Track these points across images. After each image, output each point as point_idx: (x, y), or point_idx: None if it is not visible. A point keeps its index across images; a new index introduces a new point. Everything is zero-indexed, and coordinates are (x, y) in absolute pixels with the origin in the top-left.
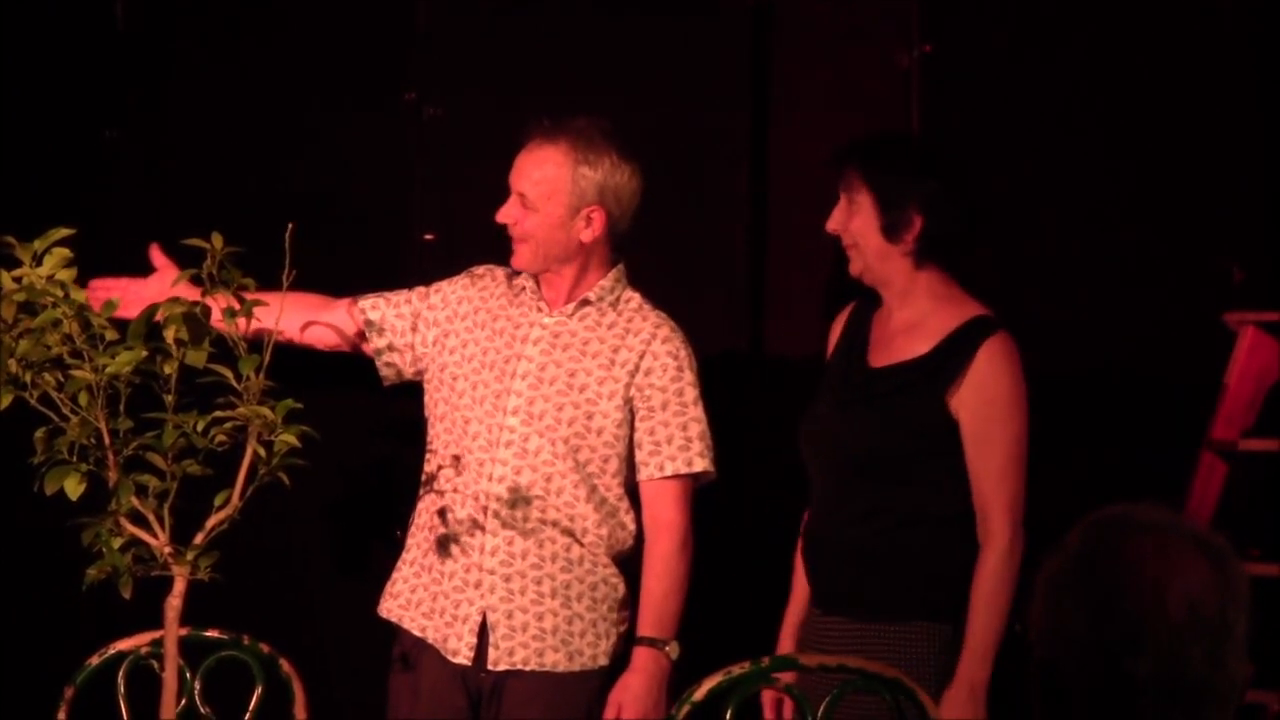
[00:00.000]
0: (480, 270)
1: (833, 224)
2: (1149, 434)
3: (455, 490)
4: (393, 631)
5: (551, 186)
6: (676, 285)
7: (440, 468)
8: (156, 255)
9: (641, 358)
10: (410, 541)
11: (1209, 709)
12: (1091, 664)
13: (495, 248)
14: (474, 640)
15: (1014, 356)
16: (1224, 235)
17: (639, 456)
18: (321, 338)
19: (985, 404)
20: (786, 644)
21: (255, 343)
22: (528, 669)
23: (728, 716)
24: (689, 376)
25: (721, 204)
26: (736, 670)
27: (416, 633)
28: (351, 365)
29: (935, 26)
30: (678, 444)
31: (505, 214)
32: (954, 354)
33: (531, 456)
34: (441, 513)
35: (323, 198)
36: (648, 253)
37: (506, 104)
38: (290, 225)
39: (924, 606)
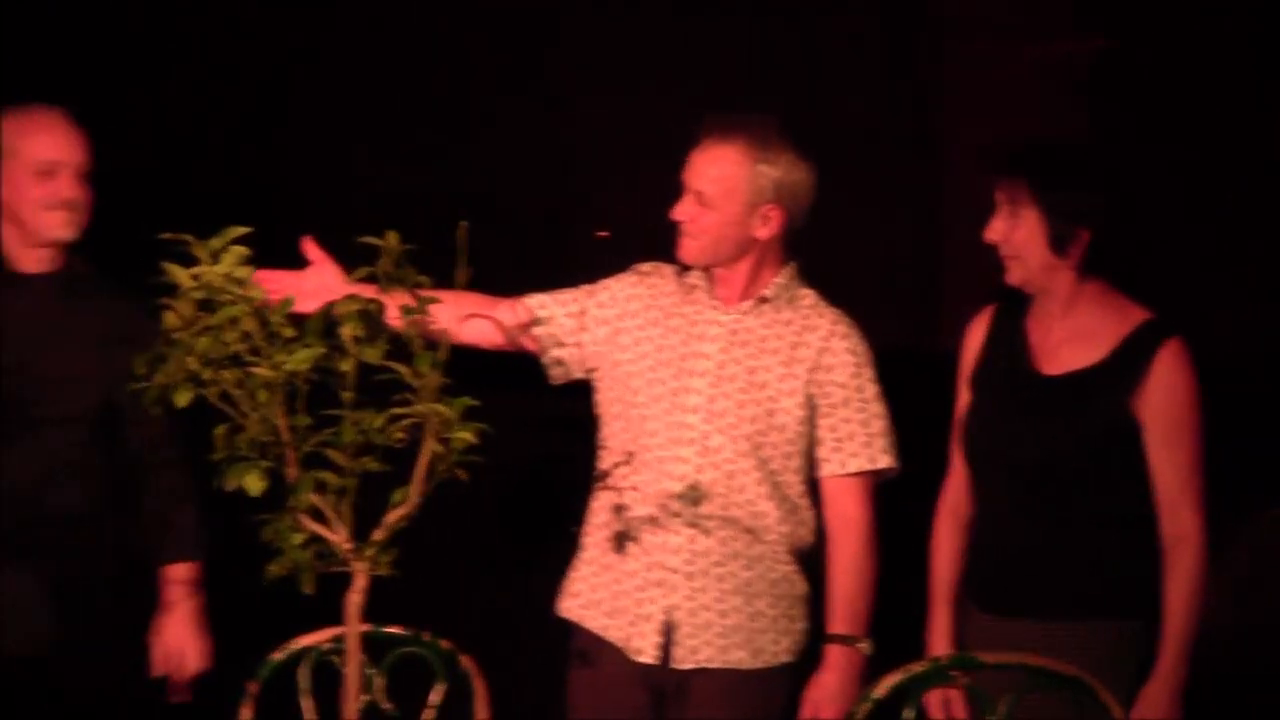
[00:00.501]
0: (647, 267)
1: (993, 234)
2: None
3: (634, 488)
4: (570, 628)
5: (730, 184)
6: (851, 284)
7: (617, 465)
8: (310, 248)
9: (820, 354)
10: (587, 540)
11: None
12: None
13: (668, 245)
14: (658, 639)
15: (1190, 358)
16: None
17: (820, 453)
18: (487, 336)
19: (1171, 406)
20: (941, 645)
21: (428, 341)
22: (712, 667)
23: (906, 714)
24: (868, 372)
25: (897, 201)
26: (916, 668)
27: (599, 632)
28: (523, 363)
29: (1110, 21)
30: (860, 440)
31: (681, 211)
32: (1133, 359)
33: (713, 454)
34: (620, 511)
35: (495, 196)
36: (823, 251)
37: (680, 101)
38: (463, 224)
39: (1113, 605)
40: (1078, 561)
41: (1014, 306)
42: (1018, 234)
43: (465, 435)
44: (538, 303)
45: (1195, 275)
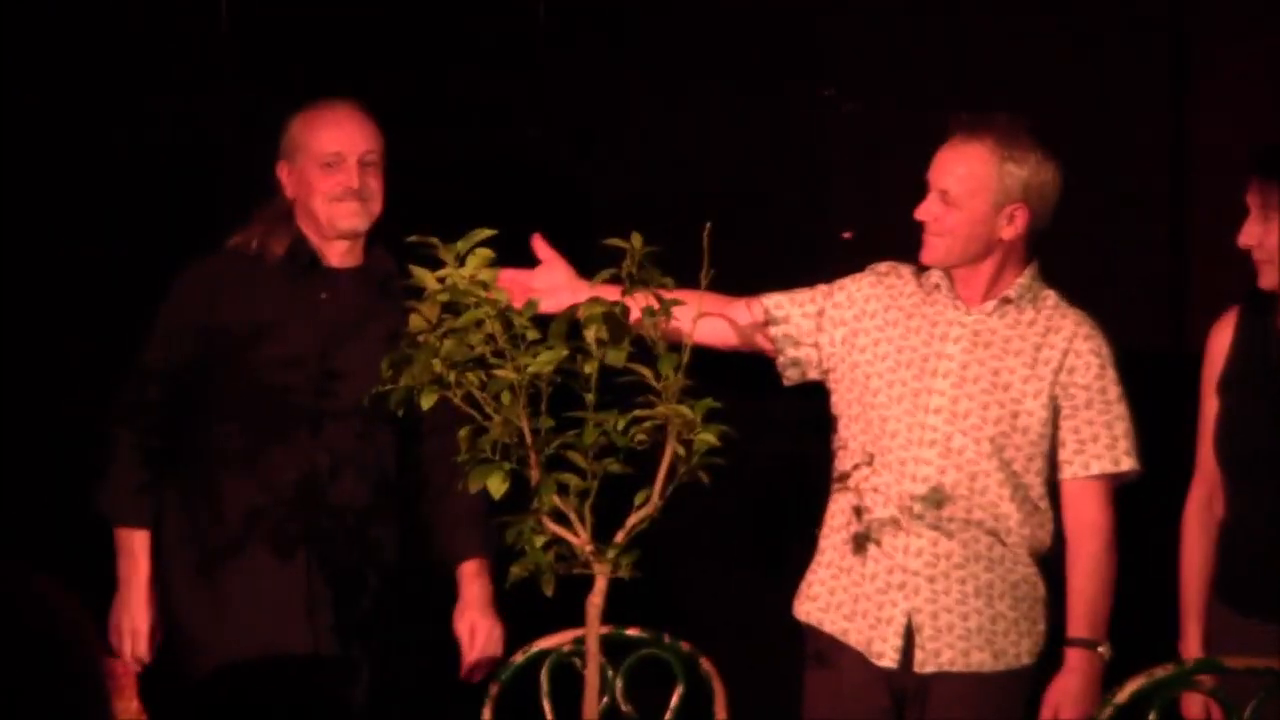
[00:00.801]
0: (884, 268)
1: (1247, 239)
2: None
3: (875, 490)
4: (805, 631)
5: (977, 183)
6: (1098, 284)
7: (856, 467)
8: (540, 246)
9: (1065, 355)
10: (825, 543)
11: None
12: None
13: (913, 245)
14: (899, 642)
15: None
16: None
17: (1062, 455)
18: (723, 336)
19: None
20: (1193, 649)
21: (670, 343)
22: (954, 670)
23: (1151, 718)
24: (1112, 374)
25: (1142, 200)
26: (1160, 672)
27: (838, 635)
28: (759, 365)
29: None
30: (1104, 443)
31: (925, 211)
32: None
33: (956, 455)
34: (859, 512)
35: (740, 196)
36: (1069, 251)
37: (924, 99)
38: (708, 225)
39: None
40: None
41: (1260, 308)
42: (1272, 238)
43: (708, 437)
44: (774, 302)
45: None
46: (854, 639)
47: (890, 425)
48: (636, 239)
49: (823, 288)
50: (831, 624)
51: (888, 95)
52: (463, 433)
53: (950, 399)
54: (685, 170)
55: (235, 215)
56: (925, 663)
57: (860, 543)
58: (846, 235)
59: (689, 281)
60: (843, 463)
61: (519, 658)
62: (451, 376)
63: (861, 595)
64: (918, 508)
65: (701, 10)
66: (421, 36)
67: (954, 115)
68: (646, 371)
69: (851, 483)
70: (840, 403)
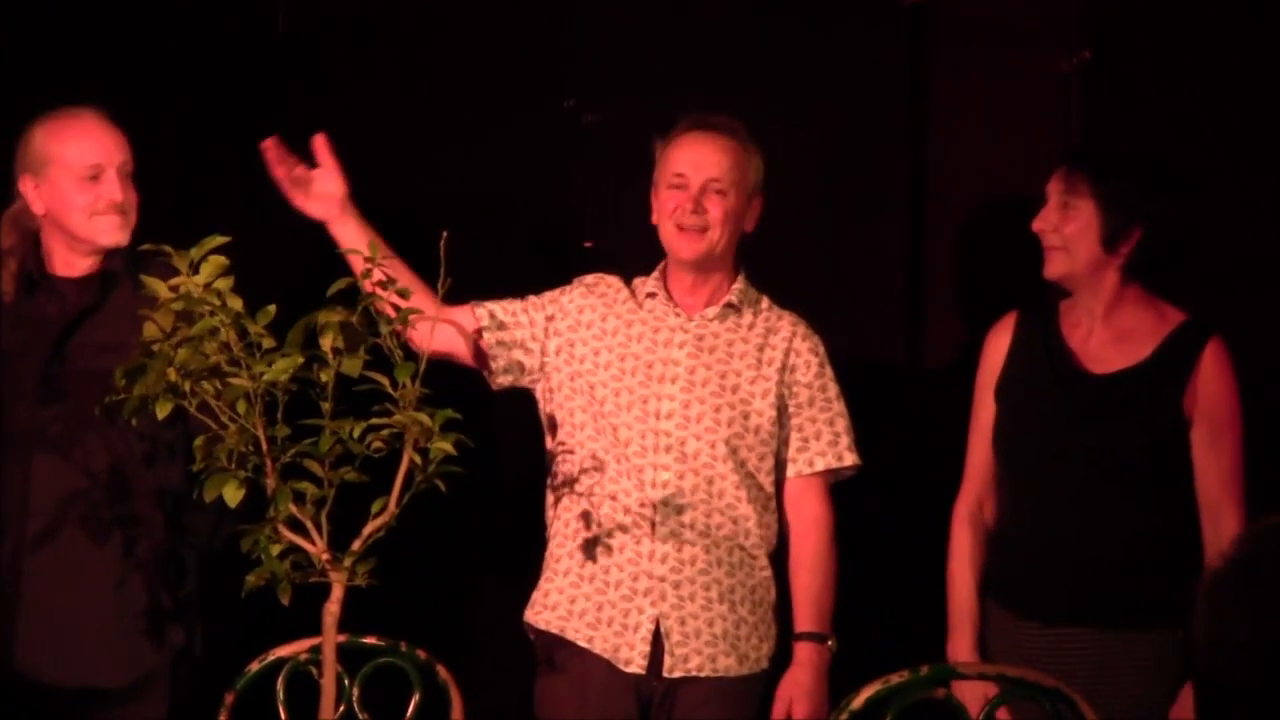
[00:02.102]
0: (591, 279)
1: (1042, 224)
2: None
3: (612, 497)
4: (541, 638)
5: (738, 174)
6: (835, 290)
7: (584, 472)
8: (321, 150)
9: (786, 355)
10: (559, 550)
11: None
12: (1254, 667)
13: (652, 254)
14: (647, 649)
15: (1231, 357)
16: None
17: (787, 454)
18: (449, 343)
19: (1216, 406)
20: (963, 649)
21: (408, 352)
22: (702, 675)
23: None
24: (829, 371)
25: (878, 208)
26: (895, 679)
27: (583, 643)
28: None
29: (1096, 31)
30: (826, 439)
31: (701, 214)
32: (1178, 358)
33: (692, 460)
34: (595, 520)
35: (482, 204)
36: (807, 257)
37: (664, 110)
38: (444, 234)
39: (1165, 611)
40: (1135, 569)
41: (1038, 313)
42: (1070, 227)
43: (444, 445)
44: (489, 310)
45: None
46: (600, 646)
47: (623, 433)
48: (370, 249)
49: (533, 299)
50: (575, 632)
51: (629, 106)
52: (198, 441)
53: (681, 404)
54: (428, 178)
55: None
56: (674, 668)
57: (602, 550)
58: (588, 244)
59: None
60: (568, 468)
61: (255, 666)
62: (186, 385)
63: (606, 603)
64: (659, 514)
65: (449, 19)
66: (159, 38)
67: (692, 115)
68: (383, 379)
69: (582, 489)
70: (561, 411)
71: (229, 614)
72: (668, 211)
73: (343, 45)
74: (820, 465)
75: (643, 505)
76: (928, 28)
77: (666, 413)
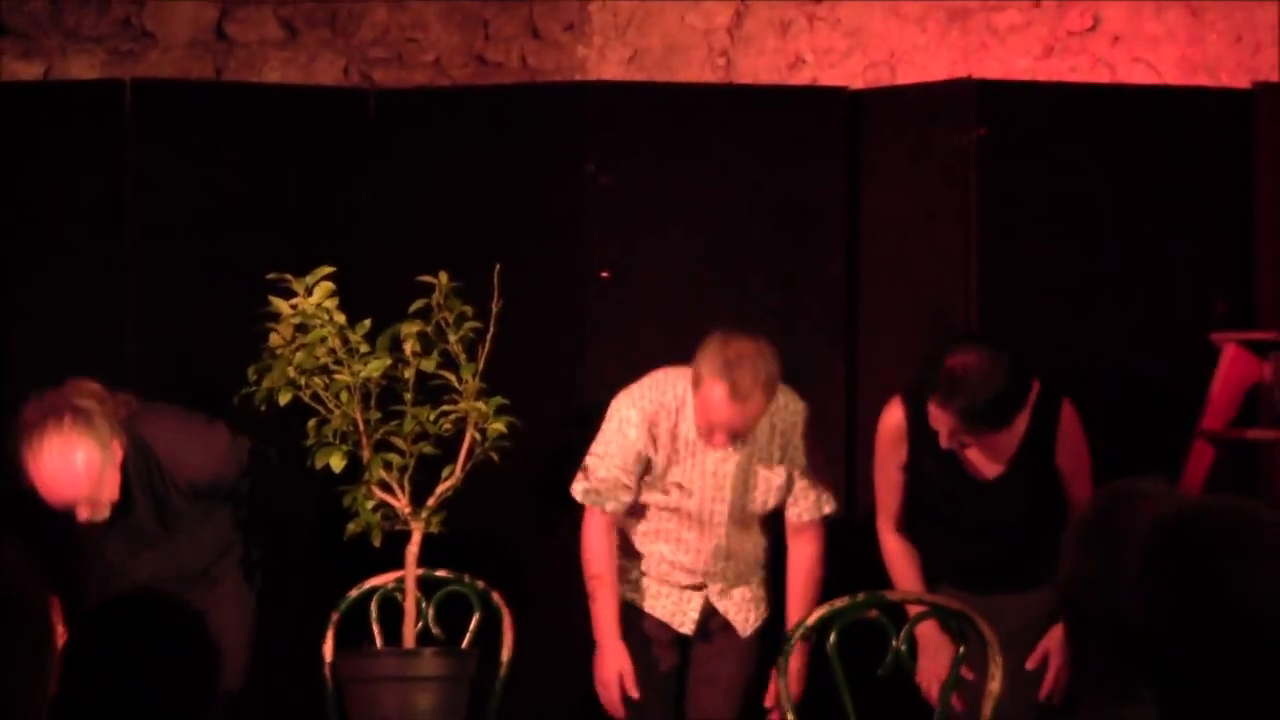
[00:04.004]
0: (631, 414)
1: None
2: (1155, 428)
3: (679, 512)
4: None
5: (756, 419)
6: (782, 320)
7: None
8: None
9: (786, 433)
10: (641, 547)
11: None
12: (1107, 595)
13: (655, 282)
14: (697, 617)
15: (1077, 410)
16: (1212, 281)
17: (788, 500)
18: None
19: (1076, 453)
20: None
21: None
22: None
23: (831, 638)
24: (808, 437)
25: (820, 253)
26: (839, 603)
27: (645, 609)
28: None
29: (988, 113)
30: (812, 498)
31: (726, 441)
32: (1044, 425)
33: (740, 514)
34: (665, 529)
35: (526, 245)
36: (759, 298)
37: (660, 173)
38: (498, 265)
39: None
40: (1035, 563)
41: (919, 410)
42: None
43: (498, 426)
44: (614, 506)
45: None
46: (660, 612)
47: (684, 500)
48: (443, 276)
49: (625, 465)
50: (643, 601)
51: (634, 169)
52: (311, 423)
53: (731, 491)
54: (486, 225)
55: None
56: (714, 631)
57: (668, 541)
58: (604, 275)
59: (482, 306)
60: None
61: (354, 593)
62: (302, 380)
63: (670, 586)
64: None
65: (500, 111)
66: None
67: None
68: (451, 376)
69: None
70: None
71: (334, 555)
72: (700, 425)
73: (425, 135)
74: (809, 517)
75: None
76: (862, 109)
77: (718, 497)
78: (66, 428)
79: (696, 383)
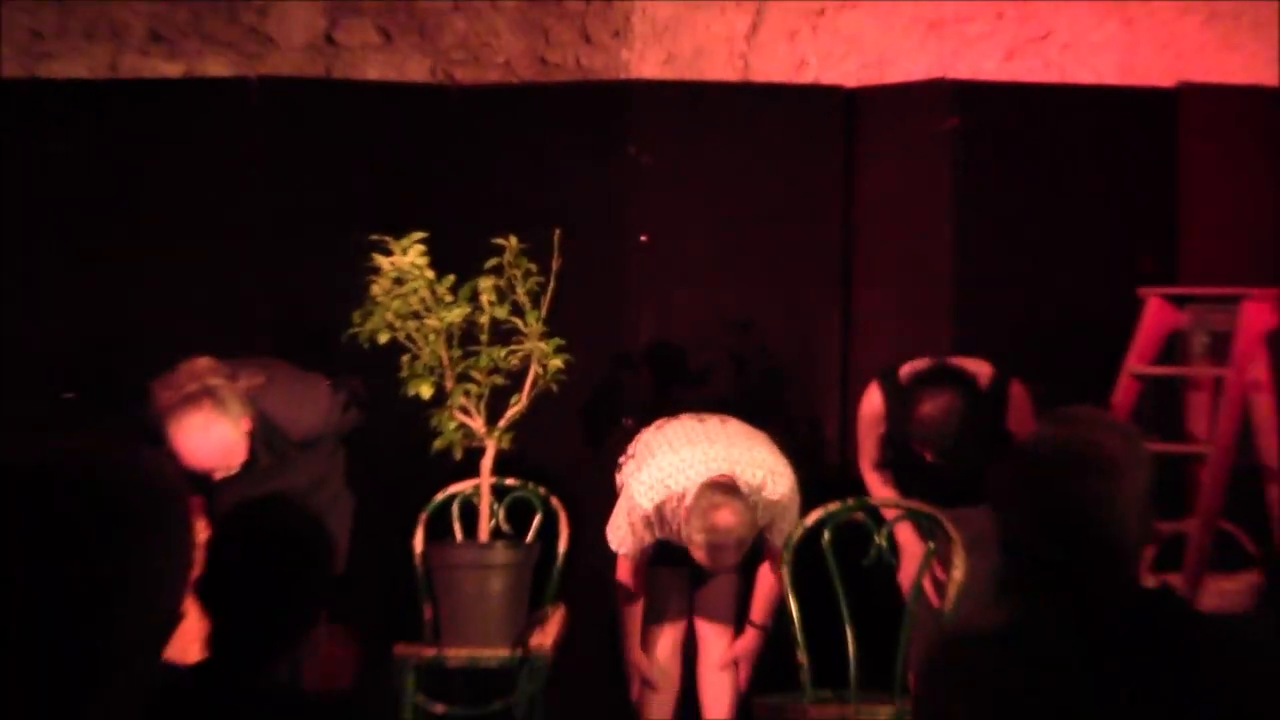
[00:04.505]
0: (642, 503)
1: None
2: (1094, 364)
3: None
4: None
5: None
6: (790, 276)
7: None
8: None
9: (776, 518)
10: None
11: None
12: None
13: (685, 246)
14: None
15: (1028, 392)
16: (1141, 243)
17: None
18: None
19: (1023, 421)
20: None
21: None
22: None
23: (825, 536)
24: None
25: (821, 220)
26: (832, 507)
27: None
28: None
29: (960, 106)
30: (779, 543)
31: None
32: (998, 401)
33: None
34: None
35: (580, 213)
36: (770, 258)
37: (690, 155)
38: (557, 230)
39: None
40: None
41: (894, 385)
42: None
43: (556, 362)
44: (638, 555)
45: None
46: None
47: None
48: (513, 240)
49: (638, 543)
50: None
51: (669, 152)
52: (404, 358)
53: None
54: (550, 197)
55: None
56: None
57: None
58: (643, 238)
59: (544, 264)
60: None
61: (439, 497)
62: (398, 324)
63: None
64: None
65: (564, 106)
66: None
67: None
68: (519, 321)
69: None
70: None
71: (423, 464)
72: (693, 550)
73: (492, 119)
74: (782, 541)
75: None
76: (856, 103)
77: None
78: (205, 409)
79: (690, 540)
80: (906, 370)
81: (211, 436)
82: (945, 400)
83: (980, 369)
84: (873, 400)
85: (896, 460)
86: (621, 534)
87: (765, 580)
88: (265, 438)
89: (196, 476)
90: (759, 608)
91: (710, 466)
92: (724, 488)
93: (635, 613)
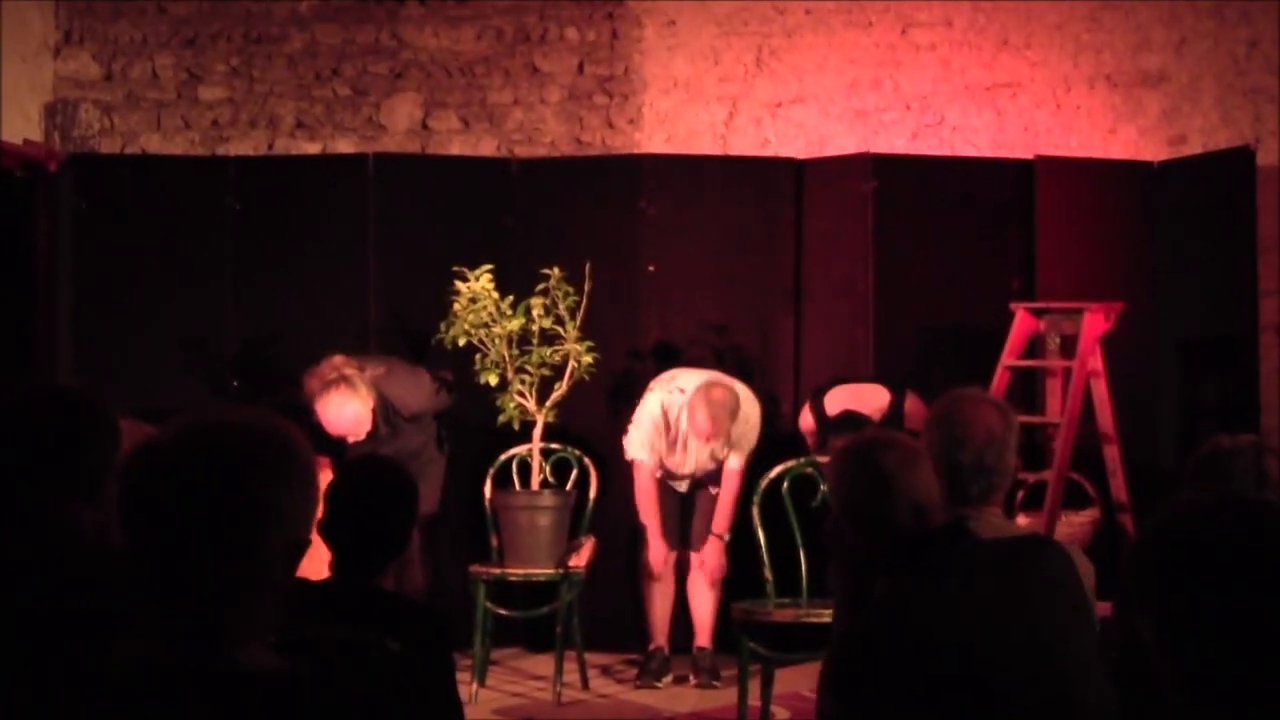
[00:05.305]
0: (654, 408)
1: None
2: (977, 360)
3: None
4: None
5: (728, 426)
6: (755, 297)
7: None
8: None
9: (746, 434)
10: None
11: (1000, 484)
12: (940, 462)
13: (680, 274)
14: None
15: (920, 397)
16: (1010, 270)
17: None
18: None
19: (916, 421)
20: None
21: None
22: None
23: (784, 487)
24: (758, 427)
25: (779, 254)
26: (790, 464)
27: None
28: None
29: (878, 173)
30: (745, 453)
31: (719, 427)
32: (897, 406)
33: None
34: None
35: (604, 250)
36: (742, 282)
37: (684, 207)
38: (588, 263)
39: None
40: None
41: (821, 403)
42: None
43: (588, 359)
44: (655, 464)
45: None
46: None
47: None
48: (556, 270)
49: (651, 456)
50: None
51: (670, 206)
52: (477, 356)
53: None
54: (580, 240)
55: None
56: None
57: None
58: (651, 268)
59: (579, 287)
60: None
61: (503, 457)
62: (473, 331)
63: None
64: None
65: (581, 165)
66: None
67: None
68: (560, 329)
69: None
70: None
71: (490, 436)
72: (690, 427)
73: (541, 182)
74: (738, 465)
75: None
76: (804, 171)
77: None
78: (343, 391)
79: (691, 411)
80: (828, 399)
81: (346, 411)
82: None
83: (878, 398)
84: (806, 419)
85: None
86: (636, 442)
87: (723, 500)
88: (385, 414)
89: (335, 441)
90: (719, 521)
91: (705, 379)
92: (716, 381)
93: (652, 510)
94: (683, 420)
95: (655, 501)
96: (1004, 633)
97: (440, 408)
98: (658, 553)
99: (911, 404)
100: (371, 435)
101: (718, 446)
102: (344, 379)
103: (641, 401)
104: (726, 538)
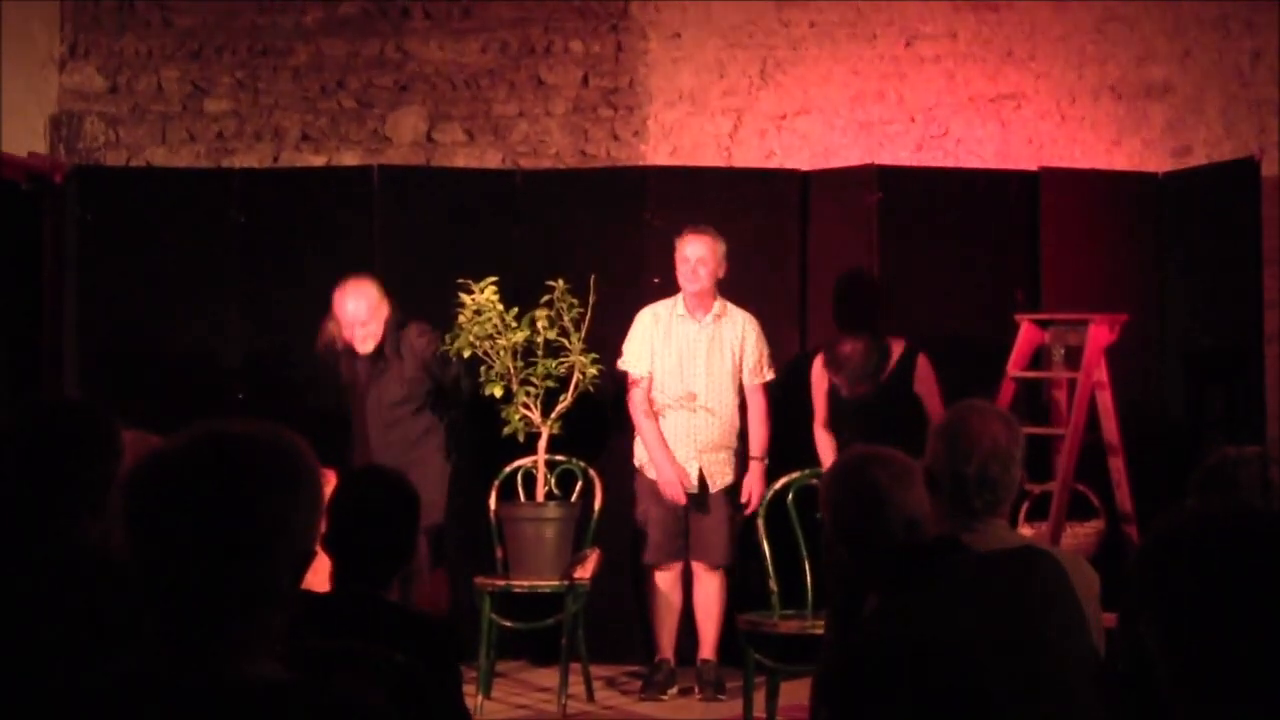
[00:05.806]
0: (645, 315)
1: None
2: (983, 370)
3: (668, 403)
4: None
5: (712, 254)
6: (763, 304)
7: (661, 392)
8: None
9: (744, 332)
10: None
11: (1005, 496)
12: (945, 474)
13: (672, 288)
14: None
15: (931, 359)
16: (1015, 282)
17: (744, 376)
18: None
19: (927, 384)
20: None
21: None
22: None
23: (790, 498)
24: (760, 337)
25: (784, 263)
26: (794, 476)
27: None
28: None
29: (883, 184)
30: (762, 368)
31: (699, 276)
32: (907, 367)
33: (717, 382)
34: (663, 413)
35: (609, 262)
36: (750, 291)
37: (689, 218)
38: (593, 274)
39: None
40: (907, 442)
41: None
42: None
43: (592, 371)
44: (647, 382)
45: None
46: (666, 476)
47: (673, 383)
48: (560, 281)
49: (641, 338)
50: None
51: (676, 218)
52: (482, 368)
53: (705, 363)
54: (588, 252)
55: None
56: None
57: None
58: (655, 280)
59: (583, 299)
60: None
61: (508, 468)
62: (477, 342)
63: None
64: (703, 415)
65: (587, 177)
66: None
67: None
68: (565, 340)
69: (659, 401)
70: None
71: (494, 447)
72: (682, 273)
73: (546, 194)
74: (757, 381)
75: (691, 405)
76: (809, 182)
77: (696, 371)
78: (364, 280)
79: (680, 250)
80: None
81: (363, 292)
82: (859, 342)
83: (895, 344)
84: (816, 364)
85: (834, 410)
86: (631, 354)
87: (754, 422)
88: (394, 340)
89: (339, 450)
90: (755, 445)
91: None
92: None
93: (652, 427)
94: (672, 316)
95: (652, 418)
96: (997, 645)
97: (445, 380)
98: (668, 479)
99: (923, 364)
100: (379, 353)
101: (719, 338)
102: (367, 276)
103: (633, 324)
104: (765, 461)
